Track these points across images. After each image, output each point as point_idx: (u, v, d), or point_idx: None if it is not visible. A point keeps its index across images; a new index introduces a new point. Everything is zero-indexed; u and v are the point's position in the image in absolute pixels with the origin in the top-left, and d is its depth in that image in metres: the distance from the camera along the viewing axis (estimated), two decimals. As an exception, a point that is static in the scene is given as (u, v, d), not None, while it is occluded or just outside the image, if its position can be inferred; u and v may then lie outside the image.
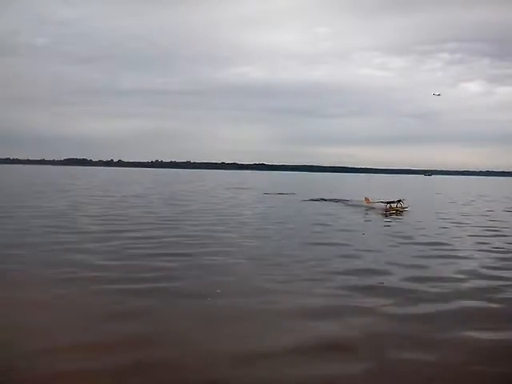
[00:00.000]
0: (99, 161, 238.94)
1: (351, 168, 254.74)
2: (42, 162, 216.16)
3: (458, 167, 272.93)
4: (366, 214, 23.40)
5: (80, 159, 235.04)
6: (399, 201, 26.12)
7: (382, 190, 50.46)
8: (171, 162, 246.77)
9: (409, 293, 8.25)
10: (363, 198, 27.99)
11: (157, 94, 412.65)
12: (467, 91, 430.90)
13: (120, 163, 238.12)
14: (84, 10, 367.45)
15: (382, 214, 23.75)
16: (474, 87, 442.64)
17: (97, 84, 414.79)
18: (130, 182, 53.32)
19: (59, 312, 6.26)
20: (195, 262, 9.64)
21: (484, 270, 10.29)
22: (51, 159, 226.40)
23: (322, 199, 30.67)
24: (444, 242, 14.60)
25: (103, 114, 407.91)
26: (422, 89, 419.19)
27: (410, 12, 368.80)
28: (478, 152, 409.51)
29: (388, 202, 25.79)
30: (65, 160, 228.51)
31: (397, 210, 25.12)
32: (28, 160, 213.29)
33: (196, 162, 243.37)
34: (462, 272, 10.10)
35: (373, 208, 25.91)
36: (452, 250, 13.03)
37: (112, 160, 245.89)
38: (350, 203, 27.85)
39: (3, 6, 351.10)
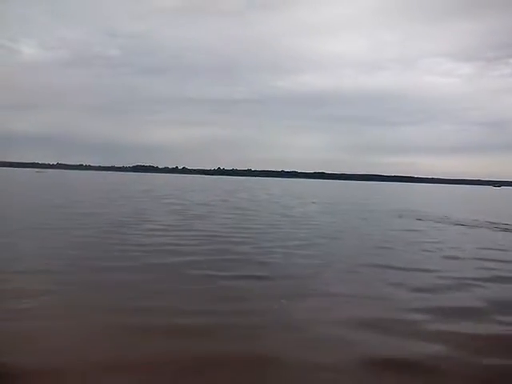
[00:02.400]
0: (165, 168, 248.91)
1: (415, 178, 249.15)
2: (112, 168, 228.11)
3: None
4: None
5: (147, 166, 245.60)
6: None
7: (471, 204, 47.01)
8: (233, 169, 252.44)
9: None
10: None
11: (220, 102, 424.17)
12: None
13: (184, 170, 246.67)
14: (152, 23, 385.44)
15: None
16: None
17: (164, 93, 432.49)
18: (196, 189, 55.85)
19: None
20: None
21: None
22: (121, 166, 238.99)
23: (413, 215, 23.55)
24: None
25: (169, 122, 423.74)
26: (491, 96, 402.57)
27: (477, 17, 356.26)
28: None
29: None
30: (133, 167, 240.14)
31: None
32: (99, 166, 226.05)
33: (256, 169, 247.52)
34: None
35: None
36: None
37: (177, 167, 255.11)
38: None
39: (78, 20, 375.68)
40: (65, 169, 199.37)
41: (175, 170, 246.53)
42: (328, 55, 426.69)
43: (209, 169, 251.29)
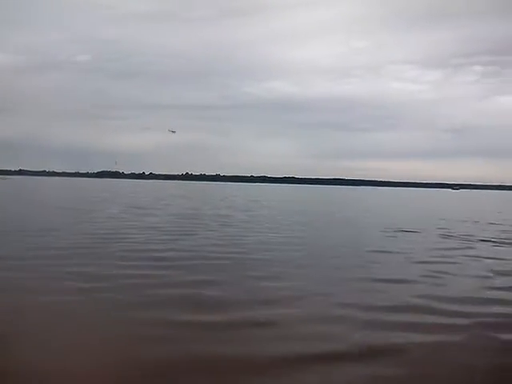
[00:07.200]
0: (131, 173, 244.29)
1: (383, 182, 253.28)
2: (77, 174, 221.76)
3: (492, 181, 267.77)
4: None
5: (112, 172, 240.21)
6: None
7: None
8: (201, 174, 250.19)
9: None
10: None
11: (191, 108, 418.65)
12: (502, 104, 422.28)
13: (151, 176, 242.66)
14: (125, 29, 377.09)
15: None
16: (509, 100, 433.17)
17: (135, 99, 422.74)
18: (170, 195, 54.38)
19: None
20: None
21: None
22: (85, 172, 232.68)
23: None
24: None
25: (139, 127, 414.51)
26: (456, 102, 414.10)
27: (445, 25, 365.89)
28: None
29: None
30: (98, 173, 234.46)
31: None
32: (64, 172, 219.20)
33: (225, 175, 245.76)
34: None
35: None
36: None
37: (144, 173, 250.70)
38: None
39: (47, 26, 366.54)
40: (27, 175, 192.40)
41: (142, 176, 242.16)
42: (298, 62, 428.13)
43: (177, 174, 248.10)
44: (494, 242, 17.14)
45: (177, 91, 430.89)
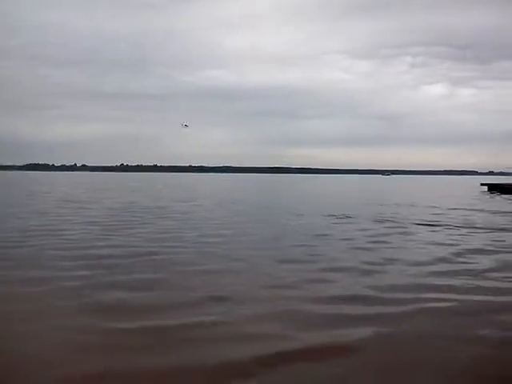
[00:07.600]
0: (62, 165, 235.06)
1: (316, 169, 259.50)
2: (1, 167, 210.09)
3: (420, 167, 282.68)
4: None
5: (42, 164, 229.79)
6: None
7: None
8: (137, 165, 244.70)
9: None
10: None
11: (128, 97, 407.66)
12: (430, 93, 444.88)
13: (84, 168, 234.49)
14: (65, 13, 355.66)
15: None
16: (436, 89, 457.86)
17: (72, 88, 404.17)
18: (103, 188, 52.49)
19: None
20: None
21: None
22: (11, 164, 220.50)
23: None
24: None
25: (74, 118, 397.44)
26: (387, 92, 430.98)
27: (376, 16, 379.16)
28: (440, 152, 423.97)
29: None
30: (26, 165, 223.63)
31: None
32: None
33: (163, 165, 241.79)
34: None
35: None
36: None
37: (75, 164, 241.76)
38: None
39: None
40: None
41: (73, 168, 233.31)
42: (237, 51, 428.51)
43: (111, 165, 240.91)
44: (432, 225, 17.75)
45: (119, 80, 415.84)
